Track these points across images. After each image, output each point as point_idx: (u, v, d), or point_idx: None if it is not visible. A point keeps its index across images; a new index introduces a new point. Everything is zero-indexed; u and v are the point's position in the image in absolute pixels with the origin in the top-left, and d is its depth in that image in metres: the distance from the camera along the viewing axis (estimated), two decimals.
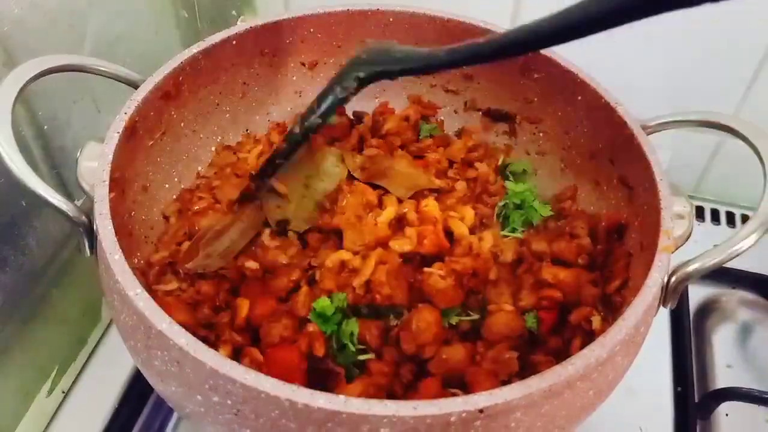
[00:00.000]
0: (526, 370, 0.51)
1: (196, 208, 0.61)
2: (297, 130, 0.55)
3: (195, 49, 0.60)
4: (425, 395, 0.48)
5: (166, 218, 0.62)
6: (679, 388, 0.70)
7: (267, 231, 0.58)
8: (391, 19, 0.68)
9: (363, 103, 0.71)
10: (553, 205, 0.64)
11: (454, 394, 0.47)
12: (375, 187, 0.61)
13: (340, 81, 0.52)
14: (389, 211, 0.58)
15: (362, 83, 0.52)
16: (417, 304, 0.53)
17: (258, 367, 0.49)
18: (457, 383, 0.50)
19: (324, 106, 0.53)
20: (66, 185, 0.64)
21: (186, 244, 0.58)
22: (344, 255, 0.55)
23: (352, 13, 0.67)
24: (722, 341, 0.76)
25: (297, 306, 0.53)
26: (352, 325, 0.52)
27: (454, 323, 0.54)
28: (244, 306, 0.53)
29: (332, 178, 0.61)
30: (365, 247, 0.55)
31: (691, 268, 0.49)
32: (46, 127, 0.60)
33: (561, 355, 0.52)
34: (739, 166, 0.59)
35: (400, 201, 0.60)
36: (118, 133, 0.52)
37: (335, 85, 0.53)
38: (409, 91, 0.73)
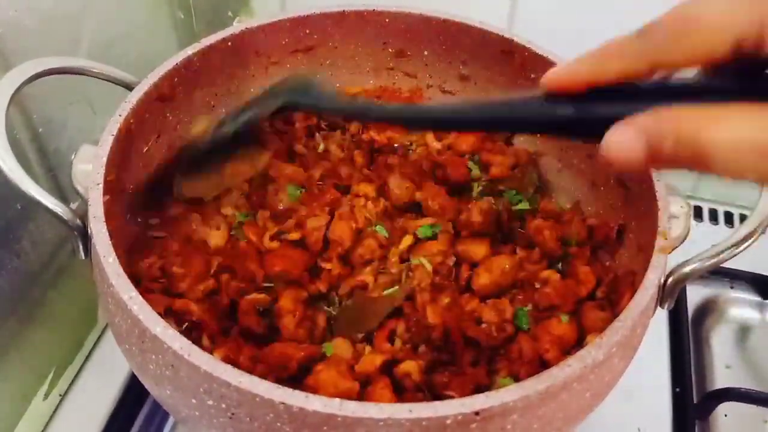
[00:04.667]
0: None
1: None
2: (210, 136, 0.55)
3: (190, 50, 0.59)
4: None
5: None
6: (678, 389, 0.70)
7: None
8: (387, 20, 0.67)
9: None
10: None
11: (450, 397, 0.46)
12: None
13: (262, 101, 0.53)
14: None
15: (281, 111, 0.52)
16: None
17: None
18: None
19: (239, 120, 0.53)
20: (61, 188, 0.63)
21: None
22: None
23: (348, 14, 0.67)
24: (721, 341, 0.76)
25: None
26: None
27: None
28: None
29: None
30: None
31: (688, 268, 0.48)
32: (41, 129, 0.60)
33: None
34: None
35: None
36: (113, 135, 0.51)
37: (255, 104, 0.54)
38: (405, 87, 0.73)
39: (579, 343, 0.54)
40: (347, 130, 0.69)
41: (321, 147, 0.68)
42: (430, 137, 0.70)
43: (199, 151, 0.55)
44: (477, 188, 0.65)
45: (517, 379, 0.51)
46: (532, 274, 0.57)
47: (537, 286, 0.57)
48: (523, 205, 0.63)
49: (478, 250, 0.59)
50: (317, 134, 0.69)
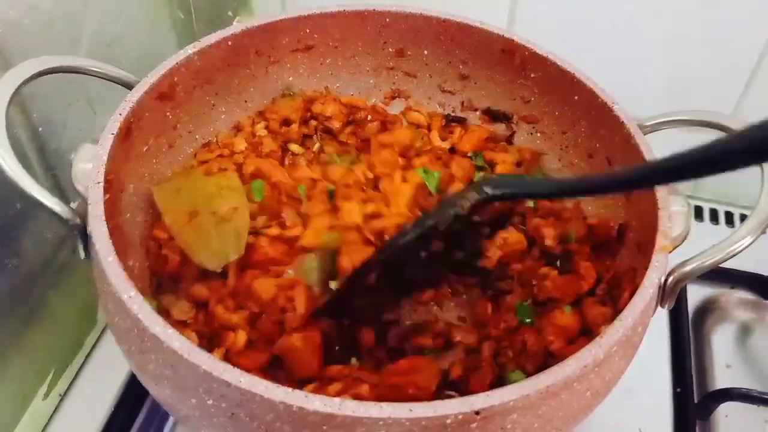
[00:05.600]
0: None
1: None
2: (410, 234, 0.53)
3: (190, 49, 0.59)
4: None
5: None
6: (679, 389, 0.70)
7: None
8: (387, 20, 0.67)
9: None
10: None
11: (450, 396, 0.46)
12: None
13: (465, 193, 0.53)
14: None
15: (487, 200, 0.52)
16: None
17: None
18: None
19: (442, 214, 0.53)
20: (61, 187, 0.63)
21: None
22: None
23: (348, 14, 0.67)
24: (721, 341, 0.76)
25: None
26: None
27: None
28: None
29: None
30: None
31: (688, 267, 0.48)
32: (41, 129, 0.60)
33: None
34: None
35: None
36: (113, 134, 0.51)
37: (459, 197, 0.53)
38: (403, 88, 0.73)
39: (583, 333, 0.54)
40: (341, 133, 0.70)
41: (316, 146, 0.68)
42: (435, 137, 0.70)
43: (399, 248, 0.53)
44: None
45: (525, 371, 0.51)
46: (531, 269, 0.57)
47: (534, 283, 0.57)
48: None
49: None
50: (315, 135, 0.70)
